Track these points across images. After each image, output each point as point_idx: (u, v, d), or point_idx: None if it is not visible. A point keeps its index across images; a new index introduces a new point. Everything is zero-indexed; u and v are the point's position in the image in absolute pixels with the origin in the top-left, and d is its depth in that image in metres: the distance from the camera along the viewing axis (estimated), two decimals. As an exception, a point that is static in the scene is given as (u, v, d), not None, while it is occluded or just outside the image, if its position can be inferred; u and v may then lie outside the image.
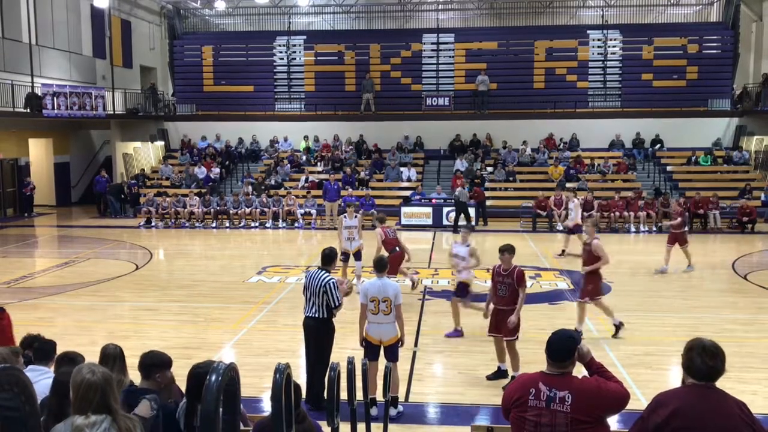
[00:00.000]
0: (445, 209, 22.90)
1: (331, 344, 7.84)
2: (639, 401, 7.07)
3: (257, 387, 7.88)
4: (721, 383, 3.53)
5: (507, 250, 8.62)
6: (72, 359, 4.80)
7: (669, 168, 26.68)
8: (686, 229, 15.72)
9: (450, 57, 30.78)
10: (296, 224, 23.42)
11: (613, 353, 9.66)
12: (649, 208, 22.46)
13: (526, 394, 3.82)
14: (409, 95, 29.84)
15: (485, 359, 9.24)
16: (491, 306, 8.78)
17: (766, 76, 27.95)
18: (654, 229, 22.01)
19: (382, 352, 7.69)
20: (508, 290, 8.51)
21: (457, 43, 30.84)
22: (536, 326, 10.89)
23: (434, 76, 30.68)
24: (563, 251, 17.33)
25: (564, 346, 3.88)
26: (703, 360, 3.51)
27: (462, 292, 10.70)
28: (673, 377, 8.34)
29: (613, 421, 6.95)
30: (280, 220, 23.50)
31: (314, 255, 18.35)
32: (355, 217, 14.29)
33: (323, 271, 7.85)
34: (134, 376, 4.87)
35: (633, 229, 22.02)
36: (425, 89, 30.15)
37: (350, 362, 5.81)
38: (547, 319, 11.53)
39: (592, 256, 10.39)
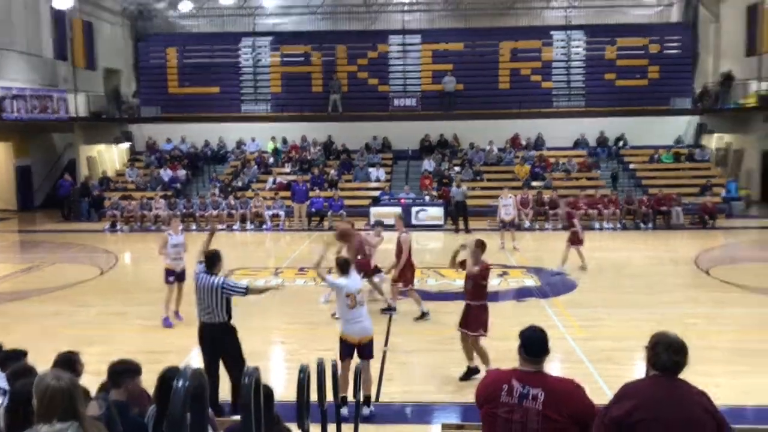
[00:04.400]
0: (414, 209, 22.97)
1: (240, 349, 7.58)
2: (606, 396, 7.18)
3: (227, 390, 7.82)
4: (683, 375, 3.61)
5: (471, 245, 8.67)
6: (25, 372, 4.69)
7: (632, 166, 27.13)
8: (579, 228, 15.48)
9: (416, 58, 30.89)
10: (264, 226, 23.29)
11: (580, 349, 9.79)
12: (613, 205, 22.81)
13: (499, 390, 3.85)
14: (377, 96, 29.88)
15: (455, 357, 9.29)
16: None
17: (725, 75, 28.60)
18: (618, 225, 22.36)
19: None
20: (473, 285, 8.55)
21: (423, 44, 30.97)
22: (505, 324, 10.99)
23: (401, 77, 30.76)
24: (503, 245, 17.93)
25: (539, 341, 3.93)
26: (668, 354, 3.58)
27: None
28: (639, 371, 8.47)
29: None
30: (248, 222, 23.34)
31: (282, 257, 18.29)
32: None
33: (211, 275, 7.54)
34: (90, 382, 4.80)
35: (597, 225, 22.34)
36: (392, 90, 30.21)
37: (320, 363, 5.81)
38: (514, 317, 11.64)
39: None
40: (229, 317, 7.57)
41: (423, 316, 11.45)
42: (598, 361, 9.21)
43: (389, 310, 11.89)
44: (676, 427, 3.45)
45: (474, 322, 8.49)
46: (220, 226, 23.03)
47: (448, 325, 11.01)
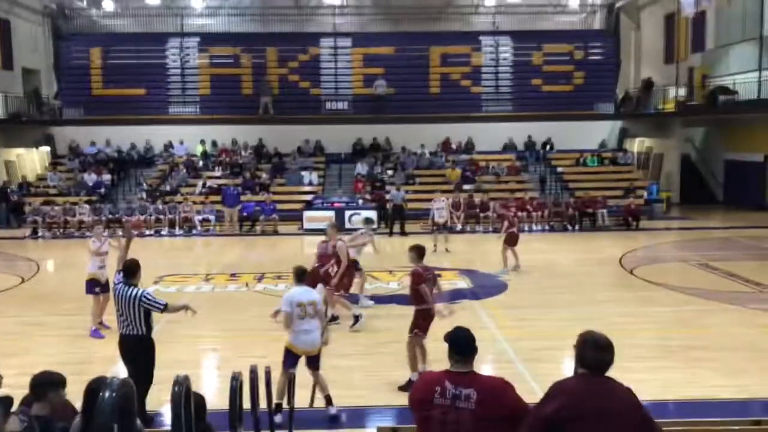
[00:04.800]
0: (348, 212, 22.94)
1: (152, 362, 7.31)
2: (537, 395, 7.33)
3: (157, 400, 7.60)
4: (610, 372, 3.71)
5: (414, 250, 8.65)
6: None
7: (559, 169, 27.87)
8: (515, 230, 15.93)
9: (348, 61, 30.90)
10: (194, 231, 22.82)
11: (511, 349, 9.97)
12: (541, 208, 23.37)
13: (432, 392, 3.87)
14: (308, 99, 29.75)
15: (389, 361, 9.31)
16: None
17: (645, 81, 29.74)
18: (547, 227, 22.91)
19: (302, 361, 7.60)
20: (410, 290, 8.65)
21: (354, 47, 31.01)
22: (437, 325, 11.09)
23: (333, 80, 30.71)
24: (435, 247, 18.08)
25: (466, 340, 4.00)
26: (595, 352, 3.68)
27: None
28: (568, 370, 8.70)
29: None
30: (177, 228, 22.82)
31: (214, 263, 17.95)
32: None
33: (130, 286, 7.27)
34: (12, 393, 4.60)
35: (526, 228, 22.83)
36: (324, 93, 30.14)
37: (253, 371, 5.72)
38: (449, 317, 11.75)
39: None
40: (149, 330, 7.30)
41: (356, 320, 11.39)
42: (529, 360, 9.40)
43: (334, 320, 11.66)
44: (604, 422, 3.54)
45: (412, 324, 8.51)
46: (148, 232, 22.48)
47: (381, 329, 11.05)
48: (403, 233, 21.57)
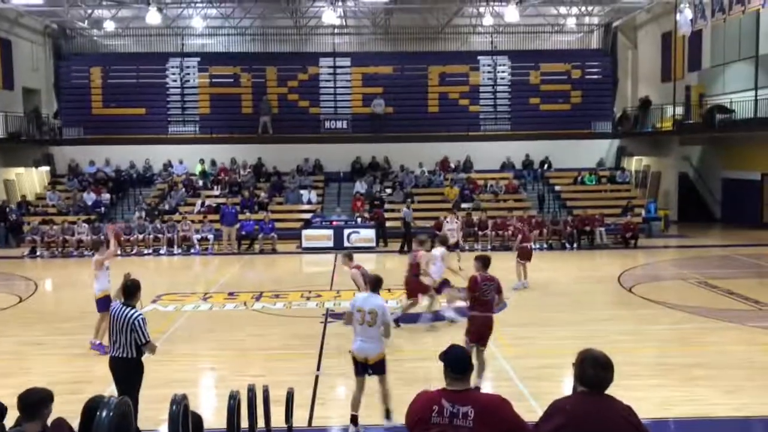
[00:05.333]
0: (346, 231, 22.95)
1: (140, 384, 7.16)
2: (536, 413, 7.29)
3: (154, 420, 7.57)
4: (610, 390, 3.71)
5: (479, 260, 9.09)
6: None
7: (557, 188, 27.93)
8: (529, 245, 16.57)
9: (347, 81, 31.08)
10: (192, 250, 22.80)
11: (510, 367, 9.94)
12: (540, 226, 23.37)
13: (429, 411, 3.87)
14: (308, 118, 29.89)
15: (390, 379, 9.26)
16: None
17: (642, 100, 29.90)
18: (545, 246, 22.90)
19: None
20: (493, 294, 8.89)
21: (353, 67, 31.20)
22: (438, 343, 11.07)
23: (332, 99, 30.87)
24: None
25: (462, 358, 4.03)
26: (595, 370, 3.68)
27: None
28: (567, 388, 8.67)
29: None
30: (175, 247, 22.80)
31: (212, 281, 17.91)
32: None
33: (128, 307, 7.15)
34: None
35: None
36: (323, 112, 30.30)
37: (251, 390, 5.70)
38: (447, 335, 11.72)
39: None
40: (138, 354, 7.14)
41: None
42: (528, 378, 9.37)
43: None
44: (603, 441, 3.53)
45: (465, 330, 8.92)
46: (146, 251, 22.49)
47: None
48: (409, 250, 21.51)
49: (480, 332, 8.81)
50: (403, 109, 30.15)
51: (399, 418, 7.49)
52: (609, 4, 29.16)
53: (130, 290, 7.33)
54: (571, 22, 32.11)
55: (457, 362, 4.00)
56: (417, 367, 9.71)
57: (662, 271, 18.83)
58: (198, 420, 4.85)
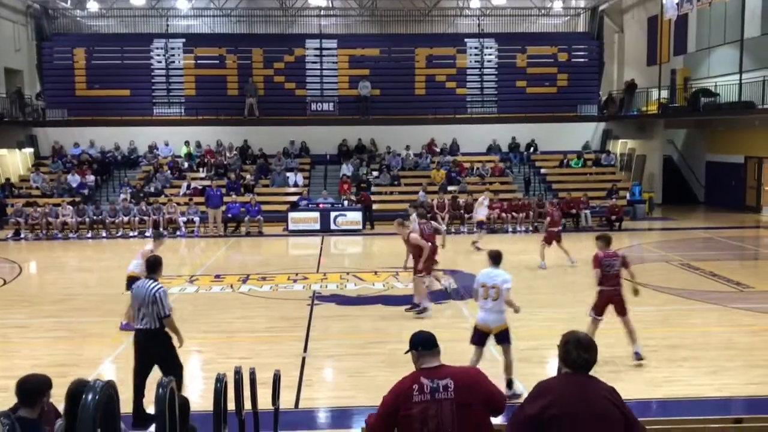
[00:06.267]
0: (333, 213, 22.95)
1: (174, 354, 7.48)
2: (523, 394, 7.39)
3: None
4: (593, 371, 3.76)
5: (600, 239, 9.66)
6: None
7: (543, 170, 28.02)
8: (560, 228, 16.94)
9: (333, 63, 30.91)
10: (178, 232, 22.71)
11: (495, 349, 10.01)
12: (525, 208, 23.47)
13: (410, 391, 3.94)
14: (294, 100, 29.74)
15: (375, 361, 9.34)
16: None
17: (628, 83, 29.99)
18: (530, 228, 23.01)
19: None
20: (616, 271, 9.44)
21: (339, 49, 31.02)
22: (424, 326, 11.13)
23: (318, 81, 30.71)
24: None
25: (429, 337, 4.19)
26: (578, 352, 3.73)
27: None
28: (553, 369, 8.76)
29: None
30: (161, 229, 22.68)
31: (198, 264, 17.88)
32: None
33: (151, 280, 7.52)
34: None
35: (510, 229, 22.97)
36: (310, 94, 30.14)
37: (237, 372, 5.72)
38: (433, 318, 11.80)
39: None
40: (161, 325, 7.42)
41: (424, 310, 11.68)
42: (515, 360, 9.43)
43: (417, 308, 11.86)
44: (587, 421, 3.59)
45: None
46: (132, 233, 22.38)
47: (367, 330, 11.07)
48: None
49: (605, 305, 9.35)
50: (390, 91, 30.05)
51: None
52: (596, -14, 29.10)
53: (154, 265, 7.72)
54: (557, 6, 32.05)
55: (426, 340, 4.15)
56: (400, 349, 9.74)
57: (646, 254, 18.98)
58: (185, 403, 4.86)
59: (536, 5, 31.80)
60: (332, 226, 22.73)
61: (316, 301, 13.06)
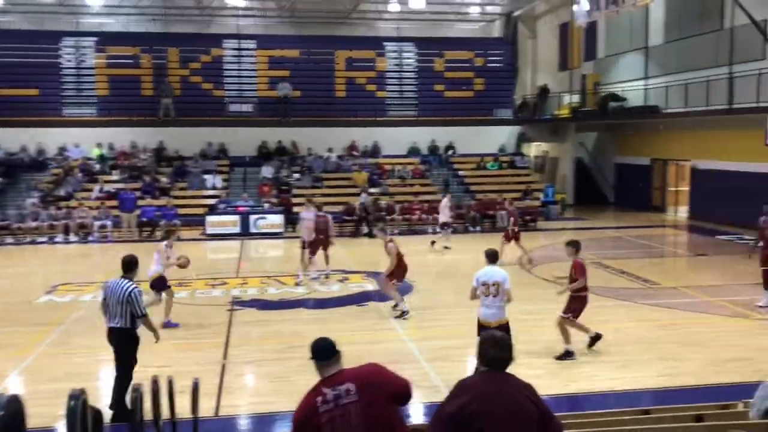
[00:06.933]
0: (253, 217, 22.65)
1: (134, 354, 7.64)
2: (441, 394, 7.49)
3: (51, 416, 7.27)
4: (512, 368, 3.87)
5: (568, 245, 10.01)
6: None
7: (461, 173, 28.55)
8: (516, 228, 17.73)
9: (252, 63, 30.57)
10: (90, 237, 21.90)
11: (416, 349, 10.14)
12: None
13: (315, 404, 3.97)
14: (211, 101, 29.22)
15: (296, 366, 9.27)
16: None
17: (541, 88, 30.95)
18: (450, 230, 23.35)
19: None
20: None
21: (258, 49, 30.71)
22: (346, 329, 11.16)
23: (237, 82, 30.29)
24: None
25: (324, 346, 4.18)
26: (494, 351, 3.85)
27: None
28: (472, 368, 8.94)
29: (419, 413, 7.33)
30: (72, 234, 21.83)
31: (112, 271, 17.23)
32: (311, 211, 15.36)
33: (126, 280, 7.65)
34: None
35: (430, 230, 23.26)
36: (228, 95, 29.68)
37: (155, 381, 5.58)
38: (355, 320, 11.84)
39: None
40: (133, 325, 7.57)
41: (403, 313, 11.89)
42: (434, 360, 9.59)
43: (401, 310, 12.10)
44: (505, 418, 3.69)
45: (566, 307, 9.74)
46: (41, 239, 21.43)
47: (288, 334, 10.99)
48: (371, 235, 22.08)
49: (580, 309, 9.81)
50: (310, 93, 29.95)
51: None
52: (510, -7, 29.85)
53: (129, 265, 7.84)
54: (474, 11, 32.73)
55: (322, 350, 4.15)
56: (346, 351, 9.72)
57: (560, 253, 19.46)
58: (97, 415, 4.69)
59: (453, 10, 32.36)
60: (252, 230, 22.43)
61: (235, 307, 12.85)
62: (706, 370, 9.07)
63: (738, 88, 20.58)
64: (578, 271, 9.71)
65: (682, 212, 26.46)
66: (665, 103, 24.16)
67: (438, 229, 20.73)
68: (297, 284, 14.81)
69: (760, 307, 12.46)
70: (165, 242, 11.83)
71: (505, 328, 8.46)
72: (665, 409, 6.08)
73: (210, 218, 22.54)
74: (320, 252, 15.39)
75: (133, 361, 7.64)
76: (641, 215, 26.52)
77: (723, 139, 22.86)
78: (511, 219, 17.88)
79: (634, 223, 24.55)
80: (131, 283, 7.60)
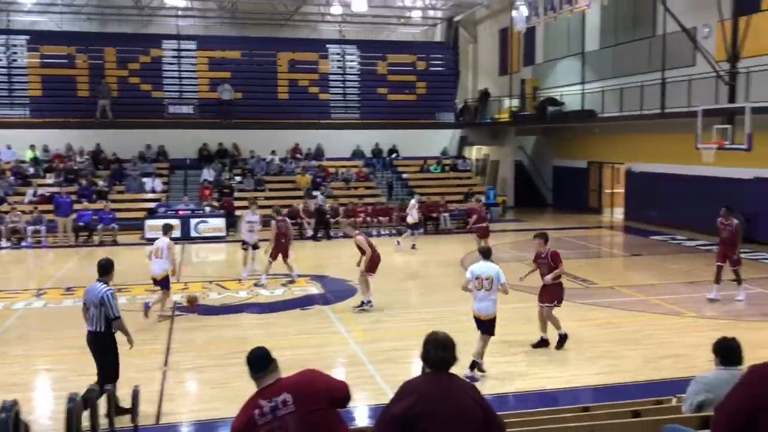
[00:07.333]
0: (194, 221, 22.27)
1: (115, 357, 7.60)
2: (387, 396, 7.51)
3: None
4: (456, 369, 3.92)
5: (539, 236, 10.50)
6: None
7: (405, 175, 28.72)
8: (485, 224, 18.34)
9: (192, 65, 30.09)
10: (23, 243, 21.15)
11: (361, 351, 10.15)
12: (389, 212, 23.95)
13: (253, 418, 3.92)
14: (150, 102, 28.62)
15: (238, 372, 9.14)
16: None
17: (482, 92, 31.43)
18: (394, 232, 23.51)
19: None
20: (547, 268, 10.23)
21: (199, 50, 30.25)
22: (290, 332, 11.10)
23: (176, 83, 29.75)
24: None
25: (261, 356, 4.14)
26: (437, 352, 3.90)
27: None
28: (417, 369, 9.00)
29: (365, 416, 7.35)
30: (3, 240, 21.04)
31: (46, 276, 16.73)
32: (256, 213, 15.68)
33: (101, 283, 7.64)
34: None
35: (375, 232, 23.34)
36: (167, 97, 29.11)
37: (91, 390, 5.44)
38: (299, 325, 11.77)
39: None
40: (108, 327, 7.52)
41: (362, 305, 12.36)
42: (380, 362, 9.62)
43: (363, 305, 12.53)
44: (450, 419, 3.74)
45: (550, 296, 10.21)
46: (-32, 245, 20.57)
47: (229, 339, 10.85)
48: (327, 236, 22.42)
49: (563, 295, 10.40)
50: (253, 95, 29.66)
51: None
52: (451, -2, 30.17)
53: (105, 268, 7.78)
54: (416, 15, 32.99)
55: (258, 360, 4.11)
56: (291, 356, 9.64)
57: (502, 254, 19.88)
58: (26, 428, 4.52)
59: (395, 14, 32.55)
60: (193, 234, 22.06)
61: (176, 312, 12.62)
62: (642, 367, 9.36)
63: (670, 93, 21.33)
64: (556, 259, 10.25)
65: (618, 213, 27.24)
66: (601, 108, 24.85)
67: (406, 230, 21.07)
68: (257, 285, 14.72)
69: (711, 299, 13.01)
70: (167, 238, 12.12)
71: (492, 322, 9.00)
72: (604, 405, 6.25)
73: (149, 222, 22.04)
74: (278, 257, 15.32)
75: (112, 365, 7.59)
76: (578, 216, 27.19)
77: (656, 142, 23.64)
78: (474, 216, 18.47)
79: (572, 225, 25.15)
80: (105, 285, 7.58)
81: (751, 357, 4.40)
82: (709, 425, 3.60)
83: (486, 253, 9.38)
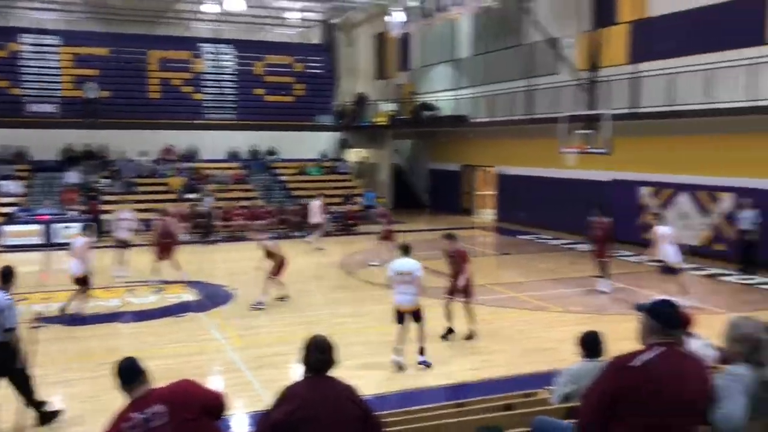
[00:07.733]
0: (56, 225, 21.01)
1: (14, 365, 7.33)
2: (264, 401, 7.42)
3: None
4: (336, 371, 3.95)
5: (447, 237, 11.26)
6: None
7: (283, 178, 28.48)
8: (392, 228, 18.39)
9: (55, 61, 28.39)
10: None
11: (238, 357, 9.97)
12: (267, 215, 23.67)
13: (121, 430, 3.78)
14: (7, 100, 26.75)
15: (109, 384, 8.72)
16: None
17: (359, 96, 31.73)
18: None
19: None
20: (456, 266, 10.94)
21: (63, 46, 28.60)
22: (160, 341, 10.72)
23: (37, 80, 27.95)
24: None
25: (130, 368, 4.02)
26: (316, 355, 3.93)
27: None
28: (296, 374, 8.95)
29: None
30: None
31: None
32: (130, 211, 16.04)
33: (1, 291, 7.37)
34: None
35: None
36: (27, 94, 27.28)
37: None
38: (171, 333, 11.40)
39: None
40: (3, 337, 7.18)
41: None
42: (257, 368, 9.49)
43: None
44: (329, 422, 3.77)
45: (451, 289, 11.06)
46: None
47: (99, 351, 10.35)
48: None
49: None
50: (121, 94, 28.37)
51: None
52: (326, 1, 30.17)
53: (6, 276, 7.50)
54: (293, 17, 32.80)
55: (127, 372, 4.00)
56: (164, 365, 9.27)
57: (381, 256, 20.20)
58: None
59: (272, 15, 32.21)
60: (57, 239, 20.79)
61: (39, 323, 11.83)
62: (514, 362, 9.80)
63: (537, 99, 22.45)
64: (465, 258, 11.04)
65: (489, 214, 28.33)
66: (474, 113, 25.76)
67: (312, 231, 21.15)
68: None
69: (601, 292, 14.02)
70: (86, 239, 12.49)
71: (417, 313, 9.59)
72: (478, 401, 6.48)
73: (8, 228, 20.59)
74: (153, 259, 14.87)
75: (16, 369, 7.36)
76: (453, 218, 28.04)
77: (524, 147, 24.81)
78: (384, 219, 18.68)
79: (447, 226, 25.80)
80: (4, 294, 7.30)
81: (614, 348, 4.72)
82: (576, 414, 3.83)
83: (405, 250, 9.97)
